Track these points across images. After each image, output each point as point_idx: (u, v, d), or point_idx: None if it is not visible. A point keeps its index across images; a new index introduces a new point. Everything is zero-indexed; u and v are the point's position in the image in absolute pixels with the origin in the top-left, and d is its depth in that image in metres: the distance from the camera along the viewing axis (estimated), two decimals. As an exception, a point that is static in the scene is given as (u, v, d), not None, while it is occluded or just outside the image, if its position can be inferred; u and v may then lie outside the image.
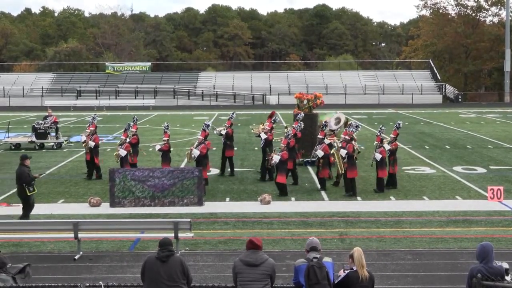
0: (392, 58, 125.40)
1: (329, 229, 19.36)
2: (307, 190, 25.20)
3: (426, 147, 37.96)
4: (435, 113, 65.87)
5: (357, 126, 26.75)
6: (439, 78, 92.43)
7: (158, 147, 26.32)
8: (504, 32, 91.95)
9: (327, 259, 10.42)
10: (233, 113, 31.33)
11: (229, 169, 28.53)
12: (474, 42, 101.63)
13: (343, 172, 24.87)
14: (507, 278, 10.31)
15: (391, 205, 22.61)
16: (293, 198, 23.77)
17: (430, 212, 21.36)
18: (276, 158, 24.06)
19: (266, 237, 17.82)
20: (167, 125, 27.23)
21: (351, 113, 64.55)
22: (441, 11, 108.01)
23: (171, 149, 27.34)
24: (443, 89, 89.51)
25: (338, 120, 29.23)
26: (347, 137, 25.06)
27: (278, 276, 11.07)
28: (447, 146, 38.15)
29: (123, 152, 25.98)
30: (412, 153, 35.46)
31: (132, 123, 28.54)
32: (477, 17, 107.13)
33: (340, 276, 10.38)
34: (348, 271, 10.29)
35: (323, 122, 27.24)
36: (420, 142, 40.43)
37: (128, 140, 27.05)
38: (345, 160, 24.42)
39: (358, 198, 23.73)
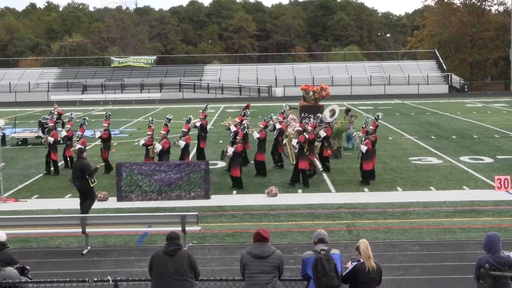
0: (397, 48, 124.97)
1: (337, 220, 19.37)
2: (313, 182, 25.15)
3: (433, 137, 37.90)
4: (441, 103, 65.74)
5: (310, 118, 26.95)
6: (445, 68, 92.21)
7: (142, 141, 26.27)
8: (510, 21, 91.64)
9: (334, 251, 10.41)
10: (206, 105, 31.76)
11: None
12: (480, 31, 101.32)
13: (294, 163, 25.06)
14: (515, 268, 10.29)
15: (398, 196, 22.59)
16: (300, 190, 23.76)
17: (437, 203, 21.33)
18: (230, 150, 24.09)
19: (273, 229, 17.82)
20: (152, 120, 27.34)
21: (357, 104, 64.51)
22: (446, 0, 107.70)
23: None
24: (449, 79, 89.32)
25: (333, 112, 29.18)
26: (300, 128, 25.29)
27: (286, 269, 11.07)
28: (454, 136, 38.08)
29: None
30: (419, 143, 35.40)
31: (87, 120, 28.52)
32: (483, 6, 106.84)
33: (348, 268, 10.37)
34: (356, 263, 10.29)
35: (302, 115, 27.32)
36: (426, 132, 40.36)
37: (85, 135, 27.10)
38: (296, 151, 24.60)
39: (365, 189, 23.72)
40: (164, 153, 24.90)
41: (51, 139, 27.79)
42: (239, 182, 24.26)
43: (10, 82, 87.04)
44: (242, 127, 26.39)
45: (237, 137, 25.01)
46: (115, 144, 37.15)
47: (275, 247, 10.66)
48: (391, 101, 70.34)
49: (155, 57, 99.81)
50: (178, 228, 15.82)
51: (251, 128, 29.95)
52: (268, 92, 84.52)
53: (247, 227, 18.67)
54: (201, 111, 30.68)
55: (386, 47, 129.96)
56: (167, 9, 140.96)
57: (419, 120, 48.09)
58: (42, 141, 28.53)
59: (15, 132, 39.81)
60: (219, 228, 18.77)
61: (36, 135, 38.08)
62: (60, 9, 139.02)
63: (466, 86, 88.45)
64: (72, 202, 22.28)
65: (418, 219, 19.32)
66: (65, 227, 17.49)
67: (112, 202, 22.11)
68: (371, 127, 25.41)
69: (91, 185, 19.77)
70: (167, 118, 26.91)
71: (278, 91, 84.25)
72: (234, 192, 23.74)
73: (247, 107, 31.03)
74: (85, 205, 19.73)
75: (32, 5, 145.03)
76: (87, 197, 19.83)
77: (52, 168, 27.96)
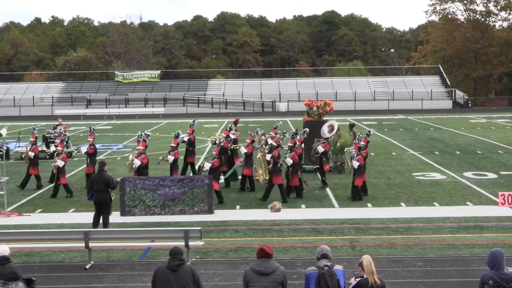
0: (401, 64, 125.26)
1: (340, 236, 19.33)
2: (317, 197, 25.17)
3: (436, 152, 37.87)
4: (445, 119, 65.74)
5: (284, 133, 27.25)
6: (449, 83, 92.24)
7: (131, 156, 26.25)
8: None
9: (338, 267, 10.40)
10: (194, 120, 32.01)
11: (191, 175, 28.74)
12: (484, 47, 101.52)
13: (267, 178, 25.10)
14: (519, 285, 10.24)
15: (401, 211, 22.55)
16: (303, 206, 23.74)
17: (441, 218, 21.28)
18: (207, 166, 24.12)
19: (276, 244, 17.81)
20: (141, 134, 27.41)
21: (360, 119, 64.53)
22: (450, 16, 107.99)
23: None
24: (453, 94, 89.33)
25: (331, 128, 29.13)
26: (274, 143, 25.45)
27: (289, 284, 11.06)
28: (457, 152, 38.05)
29: (60, 163, 26.01)
30: (422, 159, 35.37)
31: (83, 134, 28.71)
32: (486, 22, 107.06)
33: (351, 283, 10.36)
34: (359, 279, 10.27)
35: (294, 130, 27.37)
36: (430, 148, 40.33)
37: (65, 150, 27.20)
38: (270, 166, 24.73)
39: (369, 204, 23.69)
40: (143, 169, 24.90)
41: (31, 154, 27.94)
42: (219, 195, 24.34)
43: (14, 97, 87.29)
44: (218, 141, 26.45)
45: (213, 152, 25.07)
46: (118, 158, 37.22)
47: (278, 262, 10.65)
48: (395, 116, 70.37)
49: (159, 71, 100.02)
50: (181, 243, 15.81)
51: (240, 143, 30.03)
52: (272, 107, 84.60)
53: (250, 242, 18.64)
54: (190, 125, 31.00)
55: (390, 62, 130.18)
56: (171, 24, 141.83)
57: (422, 136, 48.08)
58: (23, 155, 28.64)
59: (19, 146, 39.80)
60: (222, 243, 18.73)
61: (40, 149, 38.02)
62: (65, 23, 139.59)
63: (470, 102, 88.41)
64: (75, 217, 22.31)
65: (421, 235, 19.27)
66: (68, 242, 17.47)
67: (116, 217, 22.02)
68: (362, 143, 25.38)
69: (112, 199, 19.99)
70: (145, 134, 26.94)
71: (282, 106, 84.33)
72: (238, 207, 23.73)
73: (235, 122, 31.33)
74: (104, 219, 19.90)
75: (37, 20, 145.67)
76: (105, 211, 19.92)
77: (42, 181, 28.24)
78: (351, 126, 34.22)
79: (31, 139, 29.25)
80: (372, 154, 36.09)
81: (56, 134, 38.35)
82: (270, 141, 27.95)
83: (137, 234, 17.82)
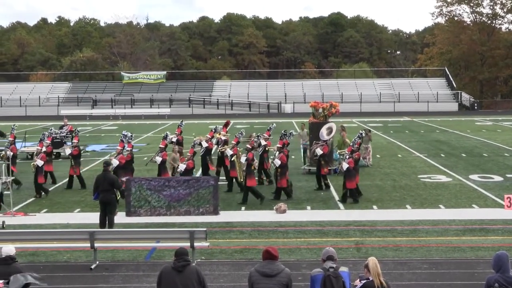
0: (407, 66, 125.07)
1: (345, 238, 19.31)
2: (322, 199, 25.15)
3: (442, 155, 37.80)
4: (451, 121, 65.65)
5: (258, 136, 27.56)
6: (455, 86, 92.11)
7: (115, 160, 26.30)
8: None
9: (343, 269, 10.39)
10: (181, 121, 32.19)
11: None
12: (490, 49, 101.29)
13: (242, 180, 25.13)
14: (525, 288, 10.22)
15: (407, 213, 22.51)
16: (308, 207, 23.72)
17: (447, 221, 21.24)
18: (181, 167, 24.15)
19: (281, 246, 17.80)
20: (131, 135, 27.42)
21: (366, 121, 64.47)
22: (456, 18, 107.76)
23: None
24: (459, 97, 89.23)
25: (330, 130, 28.97)
26: (248, 146, 25.63)
27: (294, 286, 11.04)
28: (463, 154, 37.97)
29: (40, 162, 26.17)
30: (428, 161, 35.31)
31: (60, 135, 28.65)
32: (493, 25, 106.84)
33: (356, 286, 10.34)
34: (365, 281, 10.25)
35: (283, 132, 27.26)
36: (436, 150, 40.27)
37: (43, 150, 27.28)
38: (244, 169, 24.87)
39: (374, 207, 23.66)
40: (120, 169, 24.91)
41: (9, 153, 28.00)
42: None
43: (20, 96, 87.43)
44: (193, 143, 26.53)
45: (188, 154, 25.09)
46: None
47: (283, 264, 10.63)
48: (400, 119, 70.31)
49: (165, 72, 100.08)
50: (186, 244, 15.80)
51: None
52: (278, 108, 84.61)
53: (255, 243, 18.64)
54: (177, 126, 31.40)
55: (396, 64, 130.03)
56: (177, 25, 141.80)
57: (428, 138, 48.01)
58: (1, 155, 28.66)
59: (24, 146, 39.83)
60: (228, 244, 18.73)
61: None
62: (71, 24, 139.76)
63: (476, 104, 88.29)
64: (81, 217, 22.33)
65: (427, 237, 19.25)
66: (73, 242, 17.50)
67: (121, 217, 22.04)
68: (356, 146, 25.39)
69: (117, 199, 20.06)
70: (123, 134, 26.97)
71: (288, 108, 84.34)
72: (243, 208, 23.72)
73: (226, 124, 31.43)
74: (110, 219, 19.94)
75: (44, 20, 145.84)
76: (111, 210, 19.97)
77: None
78: (367, 131, 33.94)
79: (10, 139, 29.29)
80: (377, 156, 36.12)
81: (63, 134, 38.54)
82: (263, 142, 28.01)
83: (143, 235, 17.84)
